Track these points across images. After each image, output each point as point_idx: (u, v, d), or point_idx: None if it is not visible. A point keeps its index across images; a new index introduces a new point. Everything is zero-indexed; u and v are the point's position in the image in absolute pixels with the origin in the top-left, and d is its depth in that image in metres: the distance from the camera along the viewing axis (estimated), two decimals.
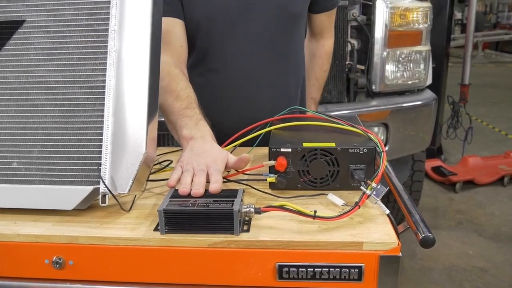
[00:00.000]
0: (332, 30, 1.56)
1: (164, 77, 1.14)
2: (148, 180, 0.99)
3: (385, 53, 2.21)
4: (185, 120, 1.05)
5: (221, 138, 1.11)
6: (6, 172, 0.89)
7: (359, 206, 0.80)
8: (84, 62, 0.87)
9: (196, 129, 1.02)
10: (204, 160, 0.94)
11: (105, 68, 0.85)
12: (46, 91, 0.88)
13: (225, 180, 0.98)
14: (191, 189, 0.85)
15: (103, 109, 0.85)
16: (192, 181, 0.88)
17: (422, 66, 2.31)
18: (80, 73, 0.87)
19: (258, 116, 1.16)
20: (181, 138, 1.04)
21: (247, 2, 1.25)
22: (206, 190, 0.85)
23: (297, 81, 1.44)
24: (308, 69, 1.55)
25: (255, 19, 1.27)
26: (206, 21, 1.26)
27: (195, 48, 1.32)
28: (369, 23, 2.23)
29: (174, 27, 1.25)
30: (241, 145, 1.10)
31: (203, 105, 1.16)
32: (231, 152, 1.01)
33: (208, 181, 0.88)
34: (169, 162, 1.10)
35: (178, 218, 0.78)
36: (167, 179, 1.00)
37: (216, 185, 0.86)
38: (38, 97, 0.88)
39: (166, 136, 1.92)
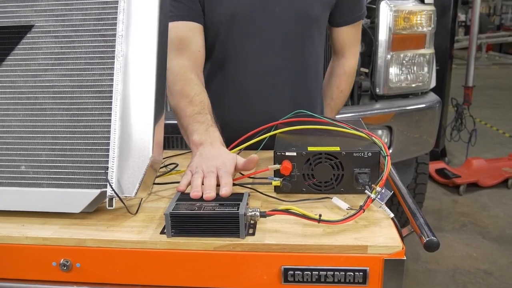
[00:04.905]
0: (356, 49, 1.45)
1: (179, 81, 1.14)
2: (154, 183, 1.00)
3: (389, 56, 2.22)
4: (196, 125, 1.05)
5: (237, 139, 1.13)
6: (14, 175, 0.90)
7: (364, 210, 0.80)
8: (92, 66, 0.88)
9: (206, 135, 1.02)
10: (213, 163, 0.94)
11: (113, 73, 0.86)
12: (54, 95, 0.89)
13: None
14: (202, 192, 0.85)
15: (110, 113, 0.86)
16: (202, 183, 0.88)
17: (426, 69, 2.32)
18: (88, 78, 0.88)
19: (278, 118, 1.16)
20: (191, 143, 1.05)
21: (266, 5, 1.24)
22: (217, 194, 0.86)
23: (318, 86, 1.42)
24: (325, 88, 1.49)
25: (274, 22, 1.26)
26: (226, 24, 1.25)
27: (214, 51, 1.30)
28: (373, 26, 2.23)
29: (193, 31, 1.24)
30: (246, 148, 1.11)
31: (222, 109, 1.15)
32: None
33: (218, 184, 0.89)
34: (175, 165, 1.11)
35: (184, 221, 0.78)
36: (173, 182, 1.01)
37: (227, 188, 0.86)
38: (46, 101, 0.89)
39: (171, 138, 1.93)
